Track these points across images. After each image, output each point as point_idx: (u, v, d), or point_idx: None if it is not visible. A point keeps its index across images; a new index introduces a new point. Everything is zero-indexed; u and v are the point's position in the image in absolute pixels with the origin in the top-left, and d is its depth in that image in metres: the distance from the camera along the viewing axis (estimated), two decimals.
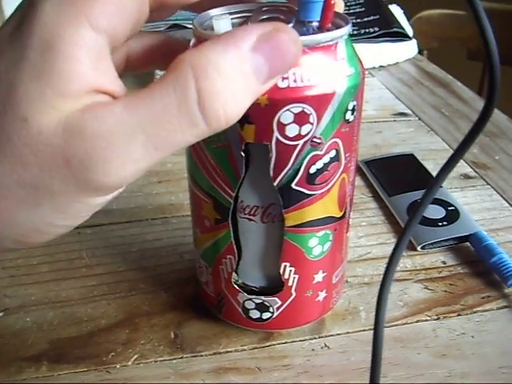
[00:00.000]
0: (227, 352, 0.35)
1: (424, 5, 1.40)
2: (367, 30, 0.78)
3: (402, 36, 0.82)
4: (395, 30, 0.80)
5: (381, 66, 0.83)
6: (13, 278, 0.42)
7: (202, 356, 0.35)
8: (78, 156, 0.20)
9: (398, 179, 0.53)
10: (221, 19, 0.27)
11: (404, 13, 0.90)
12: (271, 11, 0.30)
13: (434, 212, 0.47)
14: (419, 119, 0.68)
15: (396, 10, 0.87)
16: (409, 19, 0.92)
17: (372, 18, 0.81)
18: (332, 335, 0.37)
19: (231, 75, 0.21)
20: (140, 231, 0.47)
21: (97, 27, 0.21)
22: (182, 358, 0.35)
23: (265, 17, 0.29)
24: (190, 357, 0.35)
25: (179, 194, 0.51)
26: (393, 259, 0.25)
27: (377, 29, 0.79)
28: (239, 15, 0.30)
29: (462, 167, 0.56)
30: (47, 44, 0.20)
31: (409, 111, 0.70)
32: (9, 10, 0.72)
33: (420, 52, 0.90)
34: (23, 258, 0.44)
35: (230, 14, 0.29)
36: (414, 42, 0.86)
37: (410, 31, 0.85)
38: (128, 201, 0.51)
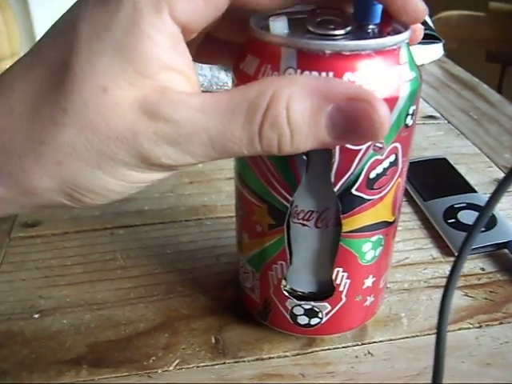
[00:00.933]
0: (270, 358, 0.35)
1: (443, 6, 1.39)
2: None
3: (431, 38, 0.82)
4: (427, 31, 0.80)
5: None
6: (47, 278, 0.42)
7: (244, 362, 0.35)
8: (146, 134, 0.22)
9: (432, 184, 0.52)
10: (277, 20, 0.27)
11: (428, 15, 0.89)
12: (327, 13, 0.29)
13: (471, 218, 0.46)
14: (448, 122, 0.67)
15: None
16: (431, 20, 0.91)
17: None
18: (375, 342, 0.36)
19: (299, 120, 0.22)
20: (174, 233, 0.46)
21: (174, 17, 0.22)
22: (224, 363, 0.35)
23: (320, 19, 0.29)
24: (233, 362, 0.35)
25: (212, 196, 0.51)
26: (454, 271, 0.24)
27: None
28: (295, 16, 0.30)
29: (494, 172, 0.55)
30: (132, 22, 0.21)
31: (437, 114, 0.70)
32: (35, 9, 0.72)
33: None
34: (56, 258, 0.43)
35: (287, 14, 0.28)
36: (440, 43, 0.85)
37: (435, 32, 0.84)
38: (160, 201, 0.50)
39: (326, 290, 0.33)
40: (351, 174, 0.28)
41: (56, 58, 0.22)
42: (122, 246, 0.45)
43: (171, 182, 0.53)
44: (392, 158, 0.29)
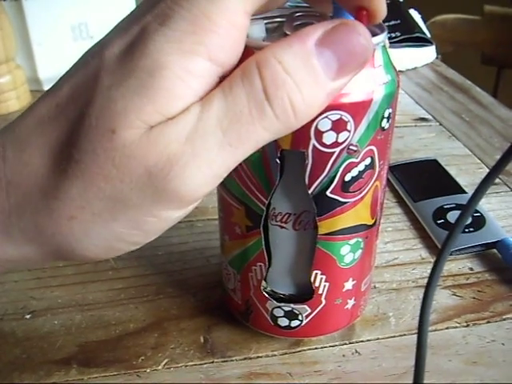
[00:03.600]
0: (258, 357, 0.35)
1: (439, 9, 1.40)
2: (389, 35, 0.78)
3: (423, 41, 0.82)
4: (417, 35, 0.80)
5: (399, 71, 0.83)
6: (39, 280, 0.42)
7: (232, 361, 0.35)
8: (159, 164, 0.21)
9: (422, 185, 0.52)
10: (254, 24, 0.27)
11: (421, 17, 0.90)
12: (305, 17, 0.29)
13: None
14: (440, 124, 0.68)
15: (415, 15, 0.87)
16: (424, 24, 0.91)
17: (393, 22, 0.80)
18: (362, 341, 0.37)
19: (294, 66, 0.21)
20: (165, 234, 0.45)
21: (214, 59, 0.21)
22: (212, 362, 0.35)
23: (299, 22, 0.29)
24: (221, 362, 0.35)
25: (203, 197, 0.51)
26: (434, 272, 0.25)
27: (398, 34, 0.78)
28: (273, 20, 0.30)
29: (485, 173, 0.54)
30: (159, 66, 0.20)
31: (429, 116, 0.70)
32: (30, 16, 0.72)
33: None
34: None
35: (264, 18, 0.29)
36: (433, 47, 0.86)
37: (428, 36, 0.85)
38: None
39: (305, 293, 0.33)
40: (325, 176, 0.28)
41: (75, 112, 0.22)
42: None
43: None
44: (368, 161, 0.29)
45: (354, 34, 0.22)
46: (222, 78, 0.22)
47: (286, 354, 0.36)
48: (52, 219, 0.22)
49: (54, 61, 0.76)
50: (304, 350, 0.36)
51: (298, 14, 0.30)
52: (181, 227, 0.47)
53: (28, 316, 0.39)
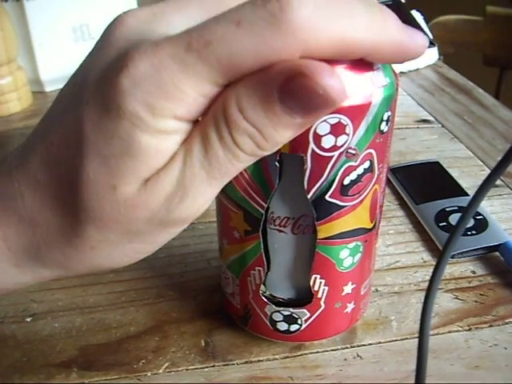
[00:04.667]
0: (259, 361, 0.35)
1: (441, 10, 1.40)
2: None
3: None
4: None
5: (401, 73, 0.83)
6: (40, 282, 0.41)
7: (233, 365, 0.35)
8: (159, 207, 0.23)
9: (424, 187, 0.52)
10: None
11: (423, 19, 0.90)
12: None
13: None
14: (442, 126, 0.68)
15: (417, 16, 0.87)
16: (426, 25, 0.91)
17: None
18: (364, 345, 0.36)
19: (255, 116, 0.22)
20: None
21: (181, 119, 0.22)
22: (213, 366, 0.35)
23: None
24: (222, 365, 0.35)
25: None
26: (435, 275, 0.24)
27: None
28: None
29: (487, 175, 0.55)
30: (133, 131, 0.22)
31: (431, 118, 0.70)
32: (32, 17, 0.72)
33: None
34: None
35: None
36: (435, 48, 0.85)
37: (430, 37, 0.85)
38: None
39: (304, 297, 0.33)
40: (324, 180, 0.28)
41: (69, 160, 0.23)
42: None
43: None
44: (367, 164, 0.29)
45: (314, 78, 0.20)
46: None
47: (287, 357, 0.35)
48: (77, 250, 0.25)
49: (55, 62, 0.76)
50: (305, 354, 0.36)
51: None
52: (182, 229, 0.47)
53: (29, 319, 0.39)
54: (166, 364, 0.35)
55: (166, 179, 0.23)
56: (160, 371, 0.35)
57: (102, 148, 0.22)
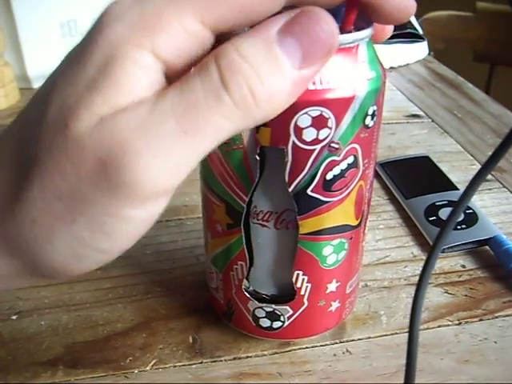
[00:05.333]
0: (247, 357, 0.35)
1: (431, 6, 1.39)
2: None
3: (415, 37, 0.82)
4: (409, 30, 0.80)
5: (391, 68, 0.83)
6: None
7: (221, 361, 0.35)
8: (111, 153, 0.20)
9: (414, 181, 0.52)
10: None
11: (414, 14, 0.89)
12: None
13: None
14: (432, 121, 0.67)
15: None
16: (416, 21, 0.91)
17: None
18: (353, 340, 0.36)
19: (253, 53, 0.20)
20: (154, 233, 0.46)
21: (157, 55, 0.21)
22: (201, 363, 0.34)
23: None
24: (210, 362, 0.34)
25: (193, 196, 0.51)
26: (425, 272, 0.24)
27: None
28: None
29: (477, 170, 0.55)
30: (109, 60, 0.20)
31: (421, 113, 0.70)
32: (19, 13, 0.71)
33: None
34: None
35: None
36: (424, 43, 0.85)
37: (420, 32, 0.85)
38: None
39: (287, 294, 0.33)
40: (306, 174, 0.28)
41: (35, 119, 0.22)
42: None
43: None
44: (350, 159, 0.28)
45: (317, 21, 0.21)
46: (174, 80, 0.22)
47: (275, 353, 0.35)
48: (15, 223, 0.22)
49: (42, 58, 0.75)
50: (294, 350, 0.35)
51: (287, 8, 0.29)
52: (170, 226, 0.47)
53: (14, 317, 0.38)
54: (154, 361, 0.35)
55: (125, 119, 0.20)
56: (147, 368, 0.34)
57: (67, 89, 0.21)
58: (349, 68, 0.26)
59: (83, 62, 0.21)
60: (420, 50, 0.85)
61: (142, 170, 0.20)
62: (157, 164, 0.20)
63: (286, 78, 0.21)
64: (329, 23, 0.21)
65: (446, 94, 0.76)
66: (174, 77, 0.22)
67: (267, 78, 0.21)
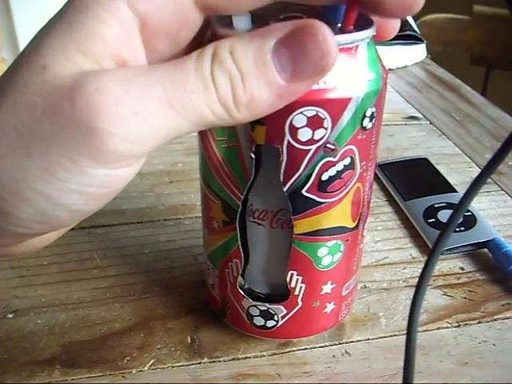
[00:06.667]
0: (246, 358, 0.35)
1: (428, 9, 1.40)
2: None
3: (414, 39, 0.82)
4: (408, 32, 0.80)
5: (389, 69, 0.83)
6: (22, 278, 0.41)
7: (220, 362, 0.34)
8: (87, 96, 0.20)
9: (412, 183, 0.52)
10: (241, 15, 0.26)
11: (412, 17, 0.90)
12: (294, 10, 0.28)
13: None
14: (430, 123, 0.67)
15: None
16: (414, 23, 0.91)
17: None
18: (352, 341, 0.36)
19: (243, 58, 0.21)
20: (152, 232, 0.46)
21: (132, 5, 0.21)
22: (199, 363, 0.34)
23: (284, 15, 0.28)
24: (208, 362, 0.34)
25: (191, 195, 0.50)
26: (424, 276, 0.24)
27: None
28: (260, 12, 0.29)
29: (475, 172, 0.55)
30: (83, 6, 0.21)
31: (419, 115, 0.70)
32: (17, 10, 0.71)
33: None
34: (32, 257, 0.43)
35: (252, 11, 0.28)
36: (423, 45, 0.85)
37: (419, 34, 0.85)
38: (139, 201, 0.50)
39: (281, 293, 0.32)
40: (300, 174, 0.27)
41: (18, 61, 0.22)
42: (99, 246, 0.44)
43: (150, 182, 0.53)
44: (347, 160, 0.28)
45: (313, 38, 0.21)
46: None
47: (274, 354, 0.35)
48: None
49: None
50: (293, 351, 0.35)
51: (286, 7, 0.29)
52: (168, 225, 0.47)
53: (10, 315, 0.38)
54: (152, 361, 0.34)
55: (111, 73, 0.20)
56: (145, 368, 0.34)
57: (44, 32, 0.21)
58: (347, 68, 0.25)
59: (63, 9, 0.22)
60: (418, 51, 0.85)
61: (117, 122, 0.20)
62: (133, 123, 0.20)
63: (271, 88, 0.21)
64: (326, 41, 0.21)
65: (444, 96, 0.76)
66: (149, 39, 0.22)
67: (251, 85, 0.21)
